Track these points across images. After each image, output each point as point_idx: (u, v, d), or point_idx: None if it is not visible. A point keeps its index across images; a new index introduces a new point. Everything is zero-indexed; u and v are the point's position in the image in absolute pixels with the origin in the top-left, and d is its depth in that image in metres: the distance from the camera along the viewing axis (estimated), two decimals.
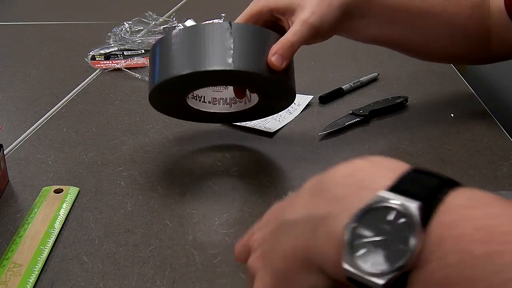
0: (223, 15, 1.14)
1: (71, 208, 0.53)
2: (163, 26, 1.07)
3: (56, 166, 0.61)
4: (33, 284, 0.43)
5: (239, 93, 0.60)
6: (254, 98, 0.60)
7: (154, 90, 0.54)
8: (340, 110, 0.72)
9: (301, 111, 0.73)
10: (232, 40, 0.50)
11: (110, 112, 0.75)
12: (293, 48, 0.52)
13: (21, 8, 1.42)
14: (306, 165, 0.60)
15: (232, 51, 0.49)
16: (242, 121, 0.67)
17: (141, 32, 1.07)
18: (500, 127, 0.67)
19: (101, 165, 0.61)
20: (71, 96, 0.81)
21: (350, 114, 0.70)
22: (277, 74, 0.52)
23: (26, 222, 0.51)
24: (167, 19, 1.13)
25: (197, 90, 0.60)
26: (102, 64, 0.93)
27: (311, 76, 0.86)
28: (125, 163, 0.62)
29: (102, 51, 0.97)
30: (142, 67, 0.91)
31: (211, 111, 0.61)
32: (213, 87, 0.62)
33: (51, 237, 0.49)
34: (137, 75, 0.87)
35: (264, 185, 0.56)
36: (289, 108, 0.73)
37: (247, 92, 0.61)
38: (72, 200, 0.54)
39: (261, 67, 0.51)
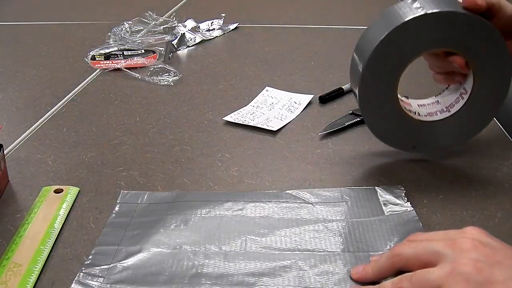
0: (223, 15, 1.14)
1: (71, 208, 0.53)
2: (163, 26, 1.07)
3: (56, 166, 0.61)
4: (33, 284, 0.43)
5: (449, 77, 0.58)
6: (469, 85, 0.56)
7: (362, 79, 0.54)
8: (340, 110, 0.72)
9: (301, 111, 0.73)
10: (418, 1, 0.52)
11: (110, 112, 0.75)
12: None
13: (21, 8, 1.42)
14: (306, 165, 0.60)
15: (420, 6, 0.51)
16: (461, 136, 0.59)
17: (141, 32, 1.07)
18: (500, 127, 0.67)
19: (101, 165, 0.61)
20: (71, 96, 0.81)
21: (350, 114, 0.70)
22: (477, 12, 0.51)
23: (26, 222, 0.51)
24: (167, 19, 1.13)
25: (411, 106, 0.59)
26: (102, 64, 0.93)
27: (311, 76, 0.86)
28: (125, 163, 0.62)
29: (102, 51, 0.97)
30: (142, 67, 0.91)
31: (430, 119, 0.58)
32: (426, 105, 0.59)
33: (51, 237, 0.49)
34: (137, 75, 0.87)
35: (264, 185, 0.56)
36: (290, 107, 0.73)
37: (459, 79, 0.58)
38: (72, 200, 0.54)
39: (456, 9, 0.51)
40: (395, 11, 0.53)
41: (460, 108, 0.57)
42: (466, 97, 0.56)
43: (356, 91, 0.56)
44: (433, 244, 0.39)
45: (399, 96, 0.56)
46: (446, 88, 0.60)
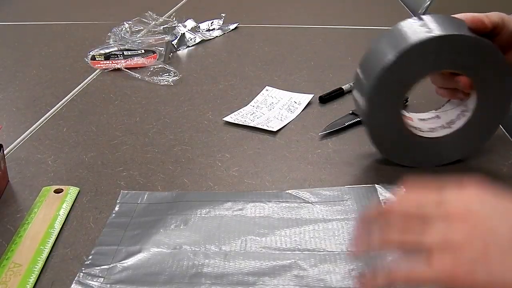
0: (223, 15, 1.14)
1: (71, 208, 0.53)
2: (163, 26, 1.07)
3: (56, 166, 0.61)
4: (33, 284, 0.43)
5: (452, 93, 0.58)
6: (471, 103, 0.56)
7: (369, 100, 0.54)
8: (340, 110, 0.72)
9: (301, 111, 0.73)
10: (424, 21, 0.52)
11: (110, 112, 0.75)
12: (487, 18, 0.51)
13: (21, 8, 1.42)
14: (306, 165, 0.60)
15: (427, 28, 0.51)
16: (462, 153, 0.59)
17: (141, 32, 1.07)
18: (500, 127, 0.67)
19: (101, 165, 0.61)
20: (71, 96, 0.81)
21: (350, 114, 0.70)
22: (483, 32, 0.51)
23: (26, 222, 0.51)
24: (167, 19, 1.13)
25: (412, 121, 0.59)
26: (102, 64, 0.93)
27: (311, 76, 0.86)
28: (125, 163, 0.62)
29: (102, 51, 0.97)
30: (142, 67, 0.91)
31: (432, 136, 0.58)
32: (426, 119, 0.60)
33: (51, 237, 0.49)
34: (137, 75, 0.87)
35: (264, 185, 0.56)
36: (290, 107, 0.73)
37: (461, 96, 0.58)
38: (72, 200, 0.54)
39: (463, 31, 0.51)
40: (402, 31, 0.53)
41: (461, 126, 0.57)
42: (468, 115, 0.56)
43: (362, 107, 0.55)
44: (425, 238, 0.35)
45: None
46: (447, 102, 0.60)
